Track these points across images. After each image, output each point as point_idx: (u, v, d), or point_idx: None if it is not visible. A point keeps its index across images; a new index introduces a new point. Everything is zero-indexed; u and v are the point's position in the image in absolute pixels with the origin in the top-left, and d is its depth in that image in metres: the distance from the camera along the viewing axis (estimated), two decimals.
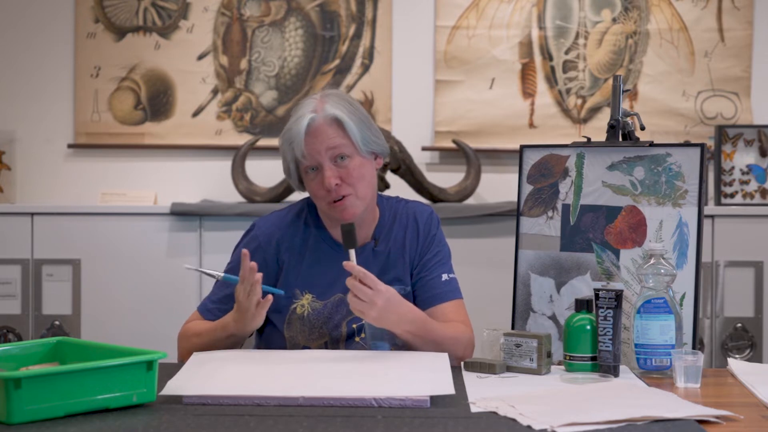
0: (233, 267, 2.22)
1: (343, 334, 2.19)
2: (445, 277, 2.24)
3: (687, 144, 2.33)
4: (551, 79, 4.10)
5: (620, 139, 2.41)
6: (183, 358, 2.17)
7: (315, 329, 2.19)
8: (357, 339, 2.19)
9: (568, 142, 2.52)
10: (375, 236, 2.25)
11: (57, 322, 3.68)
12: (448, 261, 2.28)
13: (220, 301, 2.23)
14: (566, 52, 4.10)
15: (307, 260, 2.22)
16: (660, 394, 1.81)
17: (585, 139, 2.45)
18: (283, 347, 2.20)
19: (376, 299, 1.98)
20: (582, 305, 2.05)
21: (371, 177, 2.19)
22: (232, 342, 2.12)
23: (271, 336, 2.24)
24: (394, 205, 2.30)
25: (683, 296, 2.23)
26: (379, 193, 2.33)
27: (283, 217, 2.27)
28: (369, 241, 2.24)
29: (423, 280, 2.23)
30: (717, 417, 1.65)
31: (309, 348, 2.19)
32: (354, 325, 2.19)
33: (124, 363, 1.67)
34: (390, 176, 3.83)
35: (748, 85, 4.12)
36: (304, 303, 2.20)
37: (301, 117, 2.15)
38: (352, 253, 2.03)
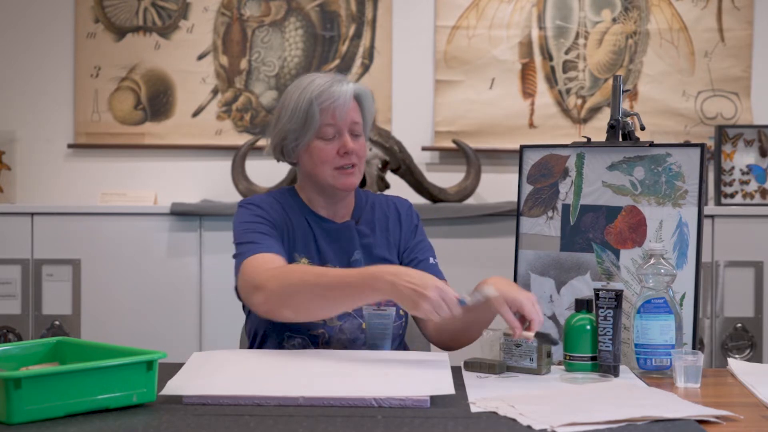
0: (253, 225, 2.19)
1: None
2: (431, 260, 2.33)
3: (687, 144, 2.33)
4: (551, 79, 4.10)
5: (620, 139, 2.41)
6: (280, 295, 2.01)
7: None
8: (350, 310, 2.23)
9: (568, 142, 2.52)
10: (354, 216, 2.33)
11: (57, 322, 3.68)
12: (431, 248, 2.38)
13: (268, 242, 2.15)
14: (566, 52, 4.10)
15: (295, 230, 2.27)
16: (660, 394, 1.81)
17: (585, 139, 2.45)
18: None
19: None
20: (582, 305, 2.05)
21: None
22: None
23: None
24: (371, 196, 2.40)
25: (683, 296, 2.23)
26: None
27: (268, 194, 2.33)
28: (350, 219, 2.32)
29: (415, 261, 2.31)
30: (717, 417, 1.65)
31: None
32: None
33: (124, 363, 1.67)
34: (390, 176, 3.83)
35: (748, 85, 4.12)
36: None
37: (340, 82, 2.21)
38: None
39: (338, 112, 2.19)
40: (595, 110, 4.12)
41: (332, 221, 2.29)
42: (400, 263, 2.31)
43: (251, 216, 2.22)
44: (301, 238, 2.26)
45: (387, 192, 3.71)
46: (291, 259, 2.23)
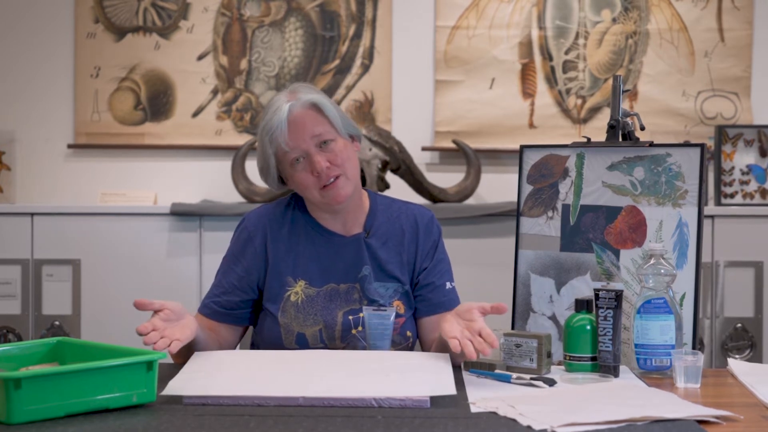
0: (227, 265, 2.27)
1: (339, 323, 2.20)
2: (448, 285, 2.27)
3: (687, 144, 2.33)
4: (551, 79, 4.10)
5: (620, 139, 2.41)
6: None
7: (309, 316, 2.20)
8: (354, 331, 2.20)
9: (568, 142, 2.52)
10: (366, 228, 2.26)
11: (57, 322, 3.68)
12: (450, 269, 2.32)
13: (214, 295, 2.26)
14: (566, 52, 4.10)
15: (297, 248, 2.24)
16: (660, 394, 1.81)
17: (585, 139, 2.45)
18: (278, 335, 2.20)
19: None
20: (582, 305, 2.05)
21: (355, 158, 2.22)
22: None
23: (264, 324, 2.24)
24: (390, 204, 2.32)
25: (683, 296, 2.23)
26: (373, 191, 2.35)
27: (272, 209, 2.30)
28: (360, 232, 2.25)
29: (431, 286, 2.26)
30: (717, 417, 1.65)
31: (303, 334, 2.20)
32: (350, 317, 2.21)
33: (124, 363, 1.67)
34: (390, 176, 3.83)
35: (748, 85, 4.12)
36: (298, 290, 2.21)
37: (279, 108, 2.16)
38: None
39: (281, 140, 2.14)
40: (595, 110, 4.12)
41: (340, 235, 2.24)
42: (415, 284, 2.26)
43: (231, 249, 2.28)
44: (303, 258, 2.23)
45: (387, 192, 3.71)
46: (284, 284, 2.21)
